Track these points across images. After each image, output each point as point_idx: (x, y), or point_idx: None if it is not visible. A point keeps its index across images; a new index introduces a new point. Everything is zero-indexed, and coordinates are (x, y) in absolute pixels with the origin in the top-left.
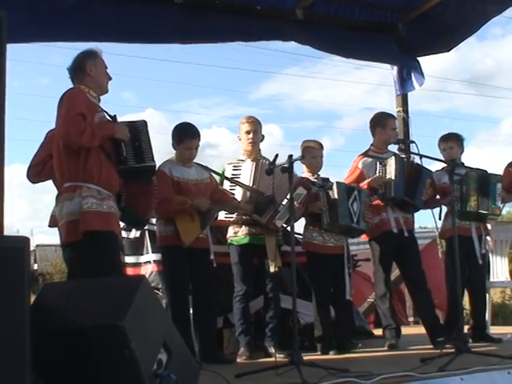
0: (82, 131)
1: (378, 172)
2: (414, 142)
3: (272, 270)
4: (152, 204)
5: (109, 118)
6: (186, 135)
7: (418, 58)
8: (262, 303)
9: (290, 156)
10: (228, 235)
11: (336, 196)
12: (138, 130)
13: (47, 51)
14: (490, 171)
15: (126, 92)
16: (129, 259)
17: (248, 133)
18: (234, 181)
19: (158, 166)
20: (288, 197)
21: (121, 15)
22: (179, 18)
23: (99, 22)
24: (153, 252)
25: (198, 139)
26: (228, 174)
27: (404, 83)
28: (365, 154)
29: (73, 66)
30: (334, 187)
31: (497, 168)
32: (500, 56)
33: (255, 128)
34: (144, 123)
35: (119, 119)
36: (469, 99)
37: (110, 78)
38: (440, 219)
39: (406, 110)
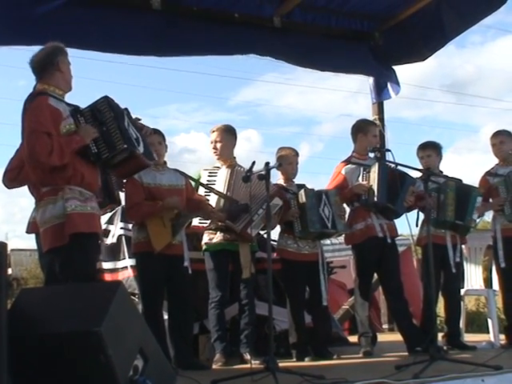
0: (50, 151)
1: (361, 178)
2: (389, 150)
3: (244, 276)
4: (144, 161)
5: (71, 120)
6: None
7: (395, 67)
8: (237, 310)
9: (267, 163)
10: (203, 242)
11: (305, 203)
12: (101, 111)
13: (24, 55)
14: (468, 178)
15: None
16: (106, 265)
17: (211, 143)
18: (208, 187)
19: None
20: (264, 207)
21: (99, 22)
22: (156, 28)
23: (76, 28)
24: (129, 257)
25: (158, 135)
26: (203, 181)
27: (380, 91)
28: (347, 161)
29: (42, 60)
30: (303, 194)
31: (475, 175)
32: (480, 62)
33: (219, 138)
34: (105, 101)
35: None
36: (449, 106)
37: (72, 77)
38: (417, 226)
39: (381, 118)
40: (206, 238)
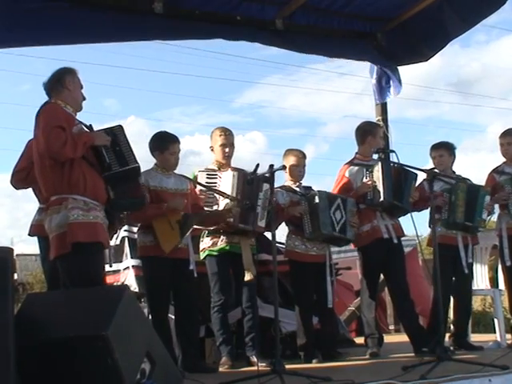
0: (64, 142)
1: (365, 178)
2: (393, 151)
3: (247, 278)
4: (140, 190)
5: (86, 129)
6: (168, 141)
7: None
8: (240, 313)
9: (271, 166)
10: (205, 246)
11: (318, 204)
12: (116, 135)
13: (27, 60)
14: (474, 178)
15: (108, 99)
16: (109, 267)
17: (224, 146)
18: (215, 190)
19: None
20: (260, 197)
21: (101, 22)
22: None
23: (77, 27)
24: (131, 258)
25: (179, 143)
26: (202, 182)
27: (382, 91)
28: (351, 163)
29: (51, 80)
30: (316, 195)
31: (482, 174)
32: (485, 61)
33: (231, 141)
34: (121, 128)
35: (100, 127)
36: (454, 105)
37: (84, 99)
38: (430, 227)
39: (385, 119)
40: (209, 242)
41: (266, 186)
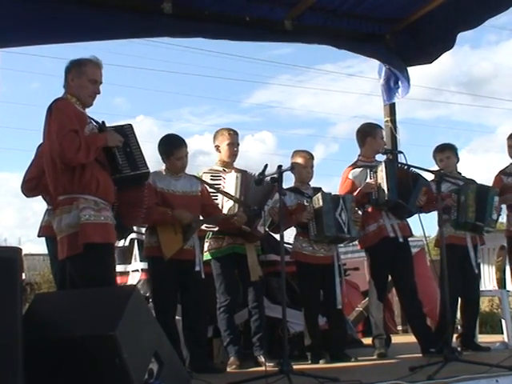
0: (77, 148)
1: (369, 178)
2: (401, 152)
3: (253, 278)
4: (140, 213)
5: (95, 125)
6: (173, 146)
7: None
8: (247, 314)
9: (280, 166)
10: (210, 247)
11: (322, 207)
12: (127, 134)
13: (33, 59)
14: (484, 178)
15: (117, 98)
16: (117, 268)
17: (232, 145)
18: (222, 192)
19: None
20: (268, 203)
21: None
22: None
23: (76, 23)
24: (141, 260)
25: (186, 147)
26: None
27: (390, 92)
28: (354, 165)
29: (64, 74)
30: (320, 197)
31: (491, 175)
32: (496, 61)
33: (238, 141)
34: (131, 127)
35: (108, 125)
36: (464, 106)
37: (97, 93)
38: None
39: (393, 120)
40: (213, 244)
41: (277, 196)
